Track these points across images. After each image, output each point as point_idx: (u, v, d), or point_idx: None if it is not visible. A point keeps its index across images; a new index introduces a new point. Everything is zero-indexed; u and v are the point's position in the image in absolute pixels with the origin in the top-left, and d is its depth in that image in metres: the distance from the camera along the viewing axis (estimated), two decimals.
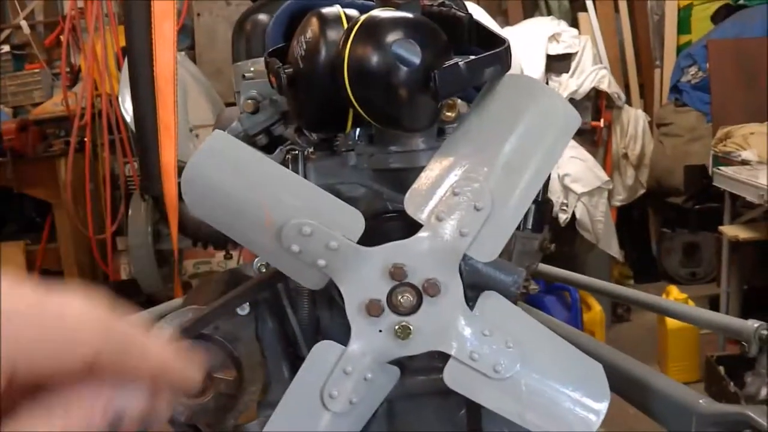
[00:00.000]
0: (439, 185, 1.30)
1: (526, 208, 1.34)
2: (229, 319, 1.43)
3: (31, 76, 6.80)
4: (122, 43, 5.49)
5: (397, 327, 1.25)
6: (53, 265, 6.10)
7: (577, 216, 4.90)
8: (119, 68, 5.43)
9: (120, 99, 3.73)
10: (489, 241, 1.28)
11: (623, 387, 1.81)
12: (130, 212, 4.27)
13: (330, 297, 1.47)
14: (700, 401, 1.67)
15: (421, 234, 1.27)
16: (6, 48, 6.86)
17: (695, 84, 5.93)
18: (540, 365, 1.30)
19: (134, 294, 4.74)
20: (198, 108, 3.87)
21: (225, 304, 1.42)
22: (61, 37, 6.37)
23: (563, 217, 4.85)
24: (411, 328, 1.25)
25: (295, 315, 1.51)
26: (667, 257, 5.92)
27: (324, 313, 1.51)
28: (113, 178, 5.97)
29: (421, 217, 1.27)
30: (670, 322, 4.39)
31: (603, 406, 1.32)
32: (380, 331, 1.26)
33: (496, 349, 1.27)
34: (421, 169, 1.34)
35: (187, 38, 6.53)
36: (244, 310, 1.45)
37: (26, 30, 6.74)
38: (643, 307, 2.57)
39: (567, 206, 4.86)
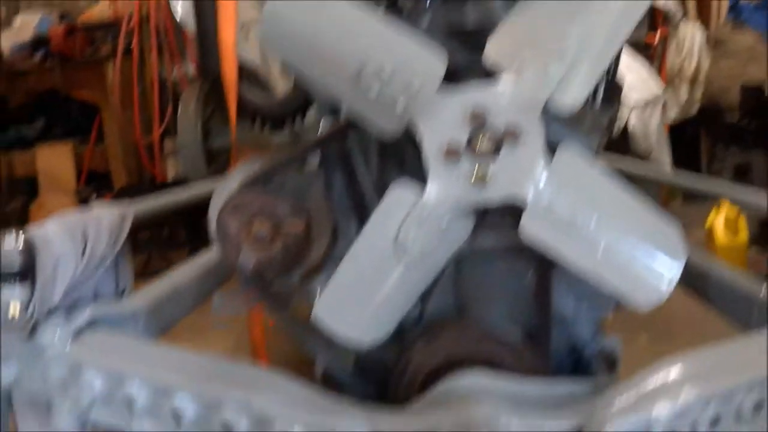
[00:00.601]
0: (521, 34, 1.26)
1: (607, 62, 1.31)
2: (297, 172, 1.41)
3: None
4: None
5: (474, 172, 1.22)
6: (101, 166, 6.13)
7: (630, 127, 4.82)
8: None
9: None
10: (570, 90, 1.25)
11: (683, 275, 1.78)
12: (179, 110, 4.26)
13: (401, 155, 1.44)
14: (763, 291, 1.64)
15: (504, 78, 1.23)
16: None
17: (755, 4, 5.79)
18: (617, 221, 1.27)
19: None
20: (245, 5, 3.84)
21: (293, 156, 1.40)
22: None
23: (616, 127, 4.76)
24: (489, 173, 1.23)
25: (366, 171, 1.49)
26: (716, 177, 5.83)
27: (394, 171, 1.49)
28: (161, 81, 5.95)
29: (503, 63, 1.24)
30: (719, 239, 4.34)
31: (678, 266, 1.30)
32: (458, 177, 1.24)
33: (573, 201, 1.25)
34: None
35: None
36: (312, 164, 1.43)
37: None
38: (700, 193, 2.53)
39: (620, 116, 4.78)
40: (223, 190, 1.43)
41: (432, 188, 1.24)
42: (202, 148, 4.06)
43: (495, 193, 1.25)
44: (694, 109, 5.78)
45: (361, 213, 1.46)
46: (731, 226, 4.34)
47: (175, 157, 5.55)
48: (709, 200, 5.67)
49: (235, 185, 1.40)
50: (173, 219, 5.35)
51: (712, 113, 5.80)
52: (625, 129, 4.85)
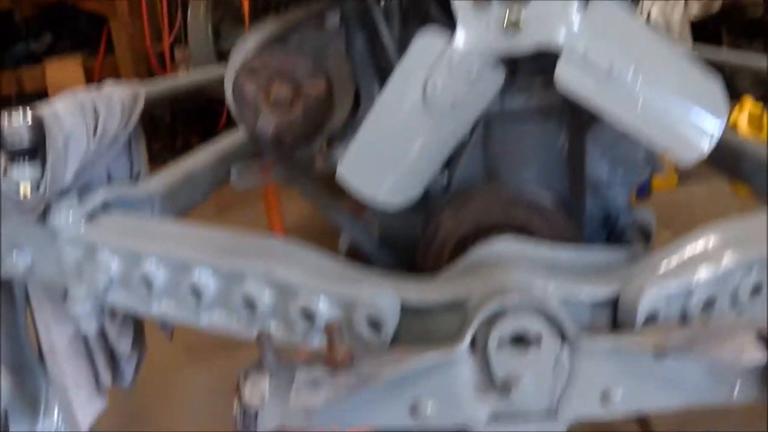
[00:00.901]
0: None
1: None
2: (316, 31, 1.33)
3: None
4: None
5: (506, 18, 1.15)
6: (111, 78, 6.05)
7: (652, 18, 4.71)
8: None
9: None
10: None
11: (714, 154, 1.71)
12: (189, 16, 4.17)
13: (425, 11, 1.36)
14: None
15: None
16: None
17: None
18: (657, 73, 1.20)
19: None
20: None
21: (311, 14, 1.33)
22: None
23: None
24: (521, 18, 1.15)
25: (388, 29, 1.41)
26: (738, 74, 5.72)
27: (417, 29, 1.41)
28: None
29: None
30: (743, 135, 4.25)
31: (720, 124, 1.23)
32: (489, 22, 1.16)
33: (610, 49, 1.17)
34: None
35: None
36: (332, 22, 1.35)
37: None
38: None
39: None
40: (239, 52, 1.36)
41: (461, 34, 1.17)
42: (214, 50, 3.98)
43: (527, 40, 1.16)
44: (716, 7, 5.64)
45: (384, 74, 1.38)
46: (755, 122, 4.24)
47: (187, 65, 5.46)
48: (732, 98, 5.58)
49: (252, 46, 1.32)
50: (187, 128, 5.31)
51: (735, 9, 5.66)
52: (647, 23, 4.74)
